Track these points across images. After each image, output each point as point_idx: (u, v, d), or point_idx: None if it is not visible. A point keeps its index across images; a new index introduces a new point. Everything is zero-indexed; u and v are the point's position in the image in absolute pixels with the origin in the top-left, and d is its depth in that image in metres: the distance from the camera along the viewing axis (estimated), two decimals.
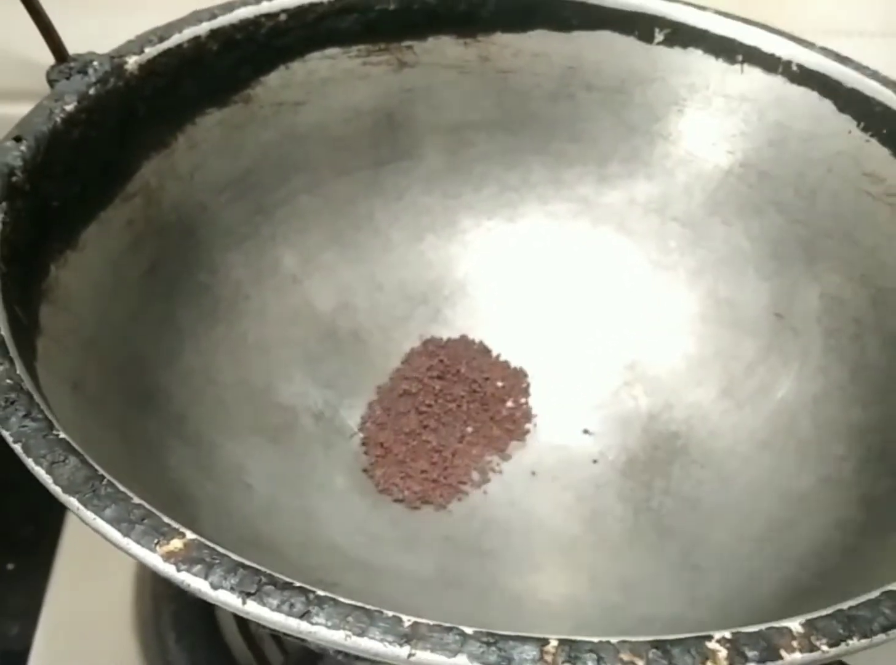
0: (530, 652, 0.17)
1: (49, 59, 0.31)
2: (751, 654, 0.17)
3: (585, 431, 0.36)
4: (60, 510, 0.40)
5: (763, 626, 0.18)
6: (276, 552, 0.28)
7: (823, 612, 0.18)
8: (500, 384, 0.37)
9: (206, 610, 0.32)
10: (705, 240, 0.38)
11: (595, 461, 0.35)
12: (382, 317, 0.38)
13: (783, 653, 0.18)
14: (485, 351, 0.38)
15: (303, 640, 0.18)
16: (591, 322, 0.39)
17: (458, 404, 0.36)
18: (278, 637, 0.32)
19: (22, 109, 0.29)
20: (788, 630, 0.18)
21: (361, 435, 0.35)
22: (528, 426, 0.36)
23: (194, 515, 0.26)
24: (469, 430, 0.36)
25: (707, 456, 0.34)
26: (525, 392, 0.37)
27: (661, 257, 0.39)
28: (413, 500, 0.33)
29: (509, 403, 0.37)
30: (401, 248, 0.39)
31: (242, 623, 0.32)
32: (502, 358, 0.38)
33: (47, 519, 0.40)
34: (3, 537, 0.45)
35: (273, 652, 0.32)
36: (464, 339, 0.38)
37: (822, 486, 0.31)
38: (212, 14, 0.33)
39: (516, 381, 0.37)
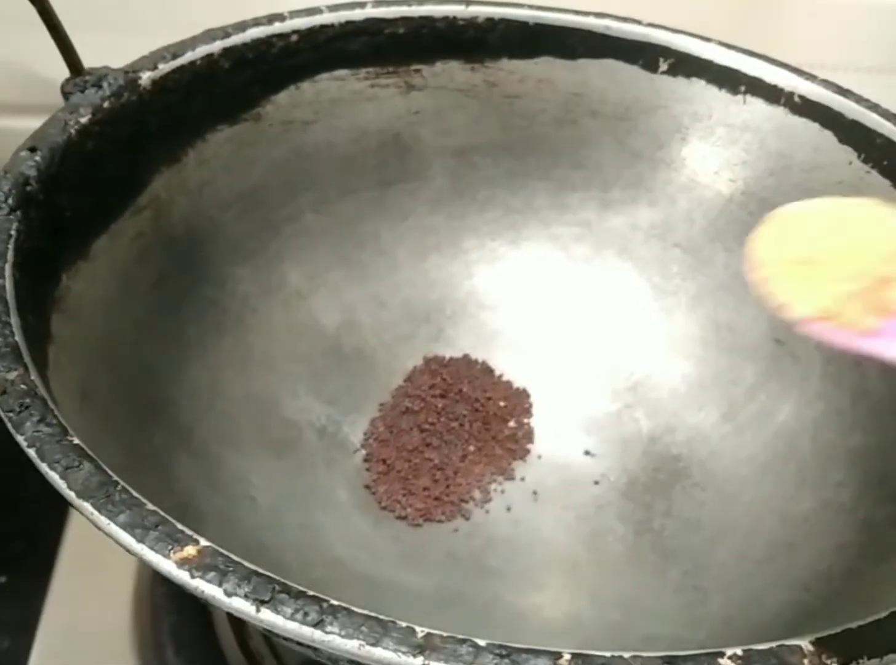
0: None
1: (64, 73, 0.32)
2: None
3: (587, 452, 0.36)
4: (56, 523, 0.40)
5: (774, 644, 0.18)
6: (280, 565, 0.27)
7: (833, 631, 0.19)
8: (502, 404, 0.37)
9: (205, 623, 0.32)
10: (706, 266, 0.38)
11: (596, 482, 0.35)
12: (386, 335, 0.38)
13: None
14: (487, 370, 0.38)
15: (315, 649, 0.18)
16: (592, 344, 0.39)
17: (460, 423, 0.36)
18: (278, 654, 0.32)
19: (35, 124, 0.30)
20: (799, 648, 0.18)
21: (364, 451, 0.35)
22: (529, 446, 0.36)
23: (199, 527, 0.26)
24: (471, 448, 0.36)
25: (708, 478, 0.34)
26: (527, 412, 0.37)
27: (662, 282, 0.39)
28: (415, 517, 0.33)
29: (511, 423, 0.37)
30: (405, 268, 0.39)
31: (241, 638, 0.32)
32: (505, 378, 0.38)
33: (41, 533, 0.40)
34: None
35: None
36: (466, 358, 0.39)
37: (823, 509, 0.31)
38: (225, 33, 0.34)
39: (518, 400, 0.37)
